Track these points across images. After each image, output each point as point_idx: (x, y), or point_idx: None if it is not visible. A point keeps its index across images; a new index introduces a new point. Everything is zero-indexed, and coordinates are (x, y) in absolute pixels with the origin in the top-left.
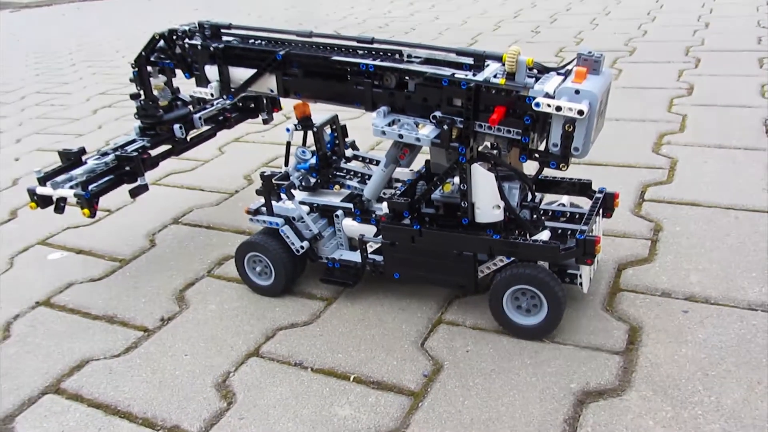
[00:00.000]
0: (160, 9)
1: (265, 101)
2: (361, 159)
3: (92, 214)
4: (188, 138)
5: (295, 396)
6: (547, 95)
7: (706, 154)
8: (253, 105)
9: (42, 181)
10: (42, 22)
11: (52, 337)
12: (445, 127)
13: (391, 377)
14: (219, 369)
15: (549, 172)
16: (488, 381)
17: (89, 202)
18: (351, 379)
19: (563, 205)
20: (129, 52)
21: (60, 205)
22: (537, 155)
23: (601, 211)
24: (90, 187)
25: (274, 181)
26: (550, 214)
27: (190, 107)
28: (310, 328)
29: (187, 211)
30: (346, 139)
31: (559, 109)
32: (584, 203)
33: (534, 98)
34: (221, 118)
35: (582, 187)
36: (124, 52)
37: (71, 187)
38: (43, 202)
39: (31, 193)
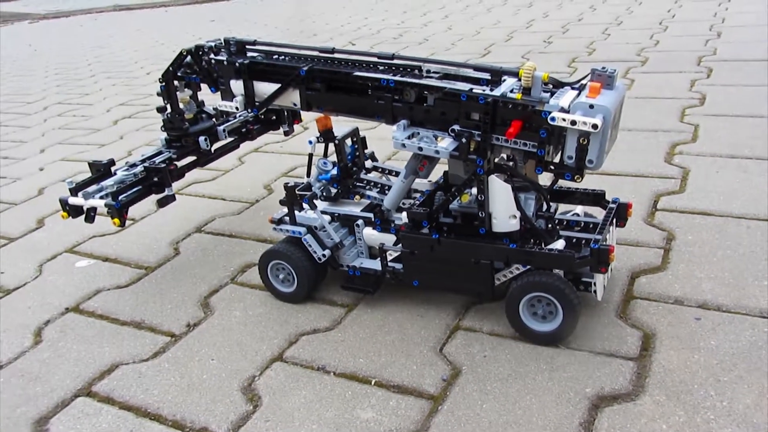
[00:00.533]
0: (176, 20)
1: (286, 114)
2: (380, 170)
3: (122, 223)
4: (213, 149)
5: (318, 399)
6: (562, 110)
7: (718, 164)
8: (274, 117)
9: (73, 191)
10: (61, 33)
11: (82, 342)
12: (464, 140)
13: (411, 381)
14: (244, 373)
15: (563, 183)
16: (505, 385)
17: (119, 212)
18: (372, 383)
19: (577, 214)
20: (147, 63)
21: (90, 215)
22: (552, 167)
23: (614, 220)
24: (120, 198)
25: (297, 192)
26: (564, 223)
27: (214, 120)
28: (331, 334)
29: (210, 219)
30: (366, 151)
31: (573, 123)
32: (598, 213)
33: (549, 113)
34: (244, 130)
35: (596, 198)
36: (142, 63)
37: (102, 198)
38: (74, 211)
39: (63, 203)
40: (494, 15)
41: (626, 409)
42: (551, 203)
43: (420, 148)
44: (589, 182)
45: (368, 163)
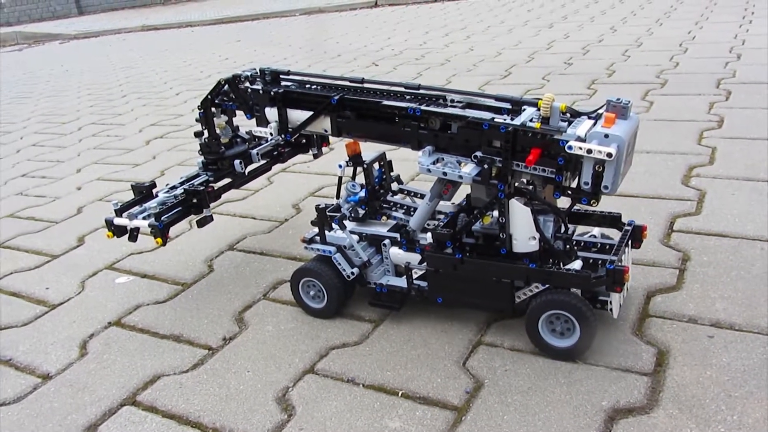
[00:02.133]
0: (202, 40)
1: (315, 138)
2: (405, 192)
3: (164, 243)
4: (247, 172)
5: (349, 409)
6: (578, 138)
7: (734, 187)
8: (304, 141)
9: (118, 212)
10: (91, 54)
11: (125, 355)
12: (486, 166)
13: (436, 393)
14: (279, 384)
15: (581, 206)
16: (526, 398)
17: (162, 232)
18: (399, 394)
19: (594, 236)
20: (176, 83)
21: (134, 234)
22: (570, 192)
23: (629, 242)
24: (163, 218)
25: (327, 213)
26: (582, 244)
27: (248, 144)
28: (360, 348)
29: (241, 238)
30: (392, 174)
31: (589, 151)
32: (615, 234)
33: (567, 141)
34: (276, 153)
35: (612, 220)
36: (171, 84)
37: (145, 218)
38: (119, 231)
39: (109, 223)
40: (515, 36)
41: (640, 421)
42: (569, 225)
43: (444, 173)
44: (608, 204)
45: (394, 186)
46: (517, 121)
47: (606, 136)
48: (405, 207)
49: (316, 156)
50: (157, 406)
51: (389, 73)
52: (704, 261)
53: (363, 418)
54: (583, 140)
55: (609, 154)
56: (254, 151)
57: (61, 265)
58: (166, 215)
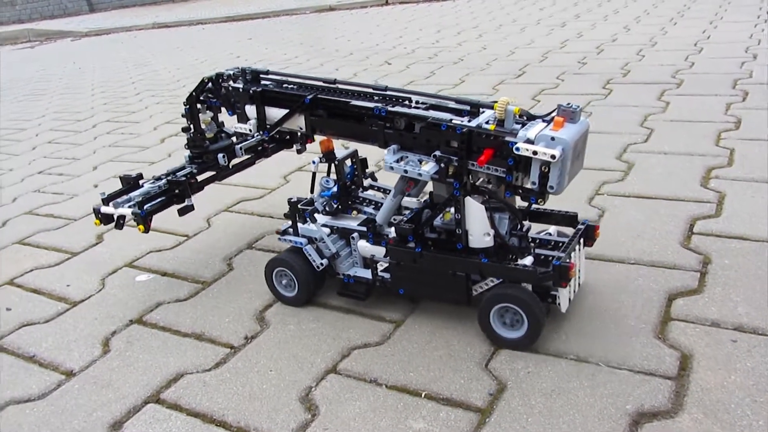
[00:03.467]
0: (213, 37)
1: (299, 134)
2: (377, 188)
3: (146, 230)
4: (230, 165)
5: (372, 410)
6: (528, 141)
7: (753, 189)
8: (288, 137)
9: (105, 201)
10: (102, 51)
11: (148, 352)
12: (443, 164)
13: (459, 395)
14: (302, 384)
15: (548, 205)
16: (549, 400)
17: (144, 219)
18: (422, 395)
19: (550, 234)
20: (188, 81)
21: (120, 222)
22: (520, 191)
23: (582, 240)
24: (145, 207)
25: (300, 207)
26: (538, 242)
27: (233, 139)
28: (381, 348)
29: (259, 236)
30: (367, 171)
31: (535, 153)
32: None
33: (516, 143)
34: (260, 148)
35: (570, 219)
36: (184, 82)
37: (129, 207)
38: (105, 219)
39: (96, 211)
40: (528, 35)
41: (665, 425)
42: (527, 222)
43: (405, 171)
44: (624, 205)
45: (367, 182)
46: (474, 123)
47: (552, 138)
48: (374, 202)
49: (299, 151)
50: (181, 404)
51: (402, 72)
52: (725, 264)
53: (387, 419)
54: (532, 142)
55: (553, 156)
56: (238, 147)
57: (81, 262)
58: (149, 204)
